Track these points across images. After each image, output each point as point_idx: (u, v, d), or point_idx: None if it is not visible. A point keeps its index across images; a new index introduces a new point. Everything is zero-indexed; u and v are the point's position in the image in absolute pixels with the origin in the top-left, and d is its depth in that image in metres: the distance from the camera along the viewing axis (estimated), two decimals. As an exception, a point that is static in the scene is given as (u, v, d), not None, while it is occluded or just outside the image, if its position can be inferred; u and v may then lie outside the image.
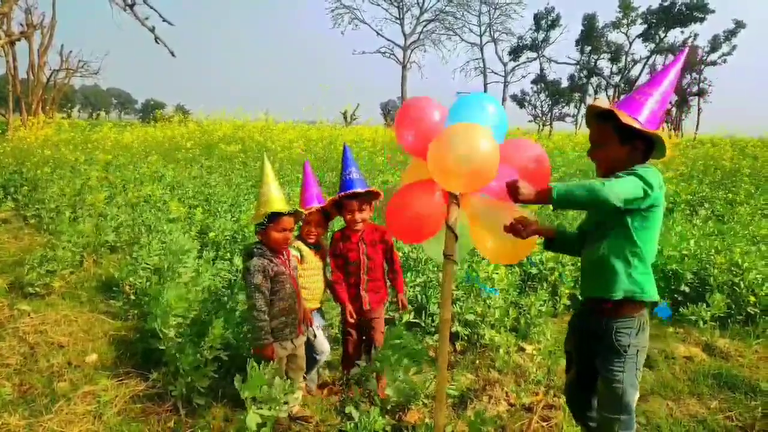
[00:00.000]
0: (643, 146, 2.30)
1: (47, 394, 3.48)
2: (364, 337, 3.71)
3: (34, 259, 5.31)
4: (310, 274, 3.48)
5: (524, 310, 4.66)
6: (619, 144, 2.30)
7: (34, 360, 3.92)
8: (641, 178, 2.13)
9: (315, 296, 3.55)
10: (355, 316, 3.56)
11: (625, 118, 2.23)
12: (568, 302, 5.11)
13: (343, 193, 3.37)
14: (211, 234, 6.09)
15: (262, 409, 2.62)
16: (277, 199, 3.05)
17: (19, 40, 19.83)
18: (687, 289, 5.34)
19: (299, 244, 3.44)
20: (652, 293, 2.30)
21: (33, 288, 5.12)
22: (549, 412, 3.52)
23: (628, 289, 2.27)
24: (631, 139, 2.28)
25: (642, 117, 2.26)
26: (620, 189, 2.07)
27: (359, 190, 3.37)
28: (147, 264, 4.98)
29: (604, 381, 2.39)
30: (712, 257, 5.49)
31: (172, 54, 13.48)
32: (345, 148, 3.55)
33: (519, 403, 3.61)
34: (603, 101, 2.41)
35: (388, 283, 3.71)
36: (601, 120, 2.34)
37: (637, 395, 2.41)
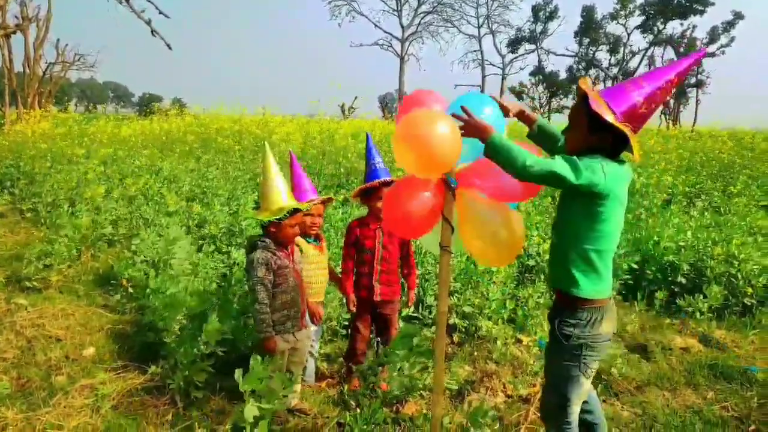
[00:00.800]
0: (611, 139, 2.17)
1: (45, 387, 3.48)
2: (373, 329, 3.70)
3: (31, 253, 5.30)
4: (311, 269, 3.47)
5: (521, 302, 4.67)
6: (588, 131, 2.20)
7: (32, 354, 3.92)
8: (572, 163, 2.07)
9: (317, 290, 3.54)
10: (356, 308, 3.57)
11: (597, 105, 2.11)
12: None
13: (382, 180, 3.42)
14: (210, 227, 6.08)
15: (261, 402, 2.63)
16: (290, 195, 3.08)
17: (14, 32, 19.68)
18: (684, 281, 5.35)
19: (298, 238, 3.43)
20: (589, 292, 2.23)
21: (30, 282, 5.11)
22: (546, 404, 3.53)
23: (565, 282, 2.28)
24: (600, 130, 2.15)
25: (620, 109, 2.13)
26: (537, 165, 2.04)
27: (392, 178, 3.46)
28: (145, 257, 4.97)
29: (545, 366, 2.48)
30: (709, 249, 5.50)
31: (169, 47, 13.41)
32: (368, 139, 3.60)
33: (516, 395, 3.62)
34: (589, 85, 2.24)
35: (402, 281, 3.72)
36: (579, 101, 2.25)
37: (579, 388, 2.33)
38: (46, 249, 5.43)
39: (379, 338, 3.69)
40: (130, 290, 4.84)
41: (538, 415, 3.38)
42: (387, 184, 3.44)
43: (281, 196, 3.01)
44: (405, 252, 3.65)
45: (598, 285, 2.25)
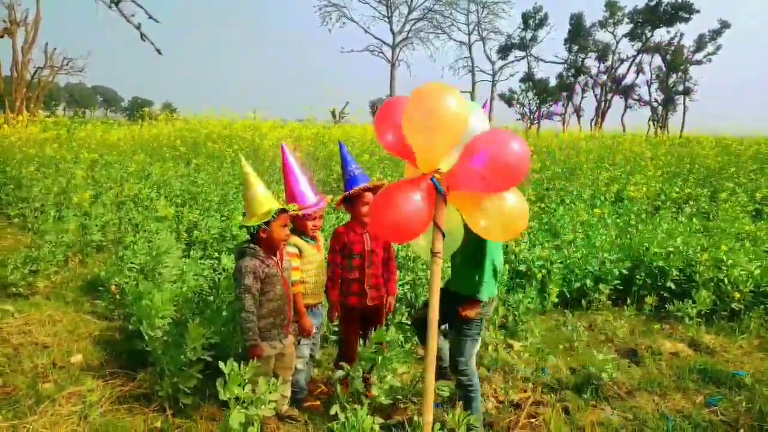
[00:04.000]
0: None
1: (31, 395, 3.43)
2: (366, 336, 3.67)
3: (17, 258, 5.23)
4: (310, 269, 3.43)
5: (513, 308, 4.67)
6: None
7: (18, 361, 3.86)
8: None
9: (316, 291, 3.48)
10: (345, 316, 3.56)
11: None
12: (556, 300, 5.13)
13: (362, 186, 3.41)
14: (197, 233, 6.04)
15: (248, 408, 2.61)
16: (273, 198, 3.08)
17: (1, 37, 19.56)
18: (673, 286, 5.39)
19: (296, 239, 3.39)
20: (485, 294, 3.12)
21: (17, 288, 5.05)
22: (537, 409, 3.54)
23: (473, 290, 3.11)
24: None
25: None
26: None
27: (373, 183, 3.45)
28: (133, 264, 4.93)
29: (457, 334, 3.27)
30: (698, 254, 5.55)
31: (159, 52, 13.33)
32: (342, 147, 3.57)
33: (507, 400, 3.62)
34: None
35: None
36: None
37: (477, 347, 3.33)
38: (33, 254, 5.37)
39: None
40: (118, 297, 4.79)
41: (530, 420, 3.39)
42: (369, 189, 3.43)
43: (265, 200, 3.03)
44: (387, 256, 3.61)
45: (488, 290, 3.18)
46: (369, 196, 3.43)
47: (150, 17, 12.87)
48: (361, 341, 3.68)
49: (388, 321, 4.23)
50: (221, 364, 2.69)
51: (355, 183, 3.42)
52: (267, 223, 3.02)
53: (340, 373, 3.35)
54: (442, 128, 2.38)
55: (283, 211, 3.06)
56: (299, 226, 3.39)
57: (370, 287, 3.51)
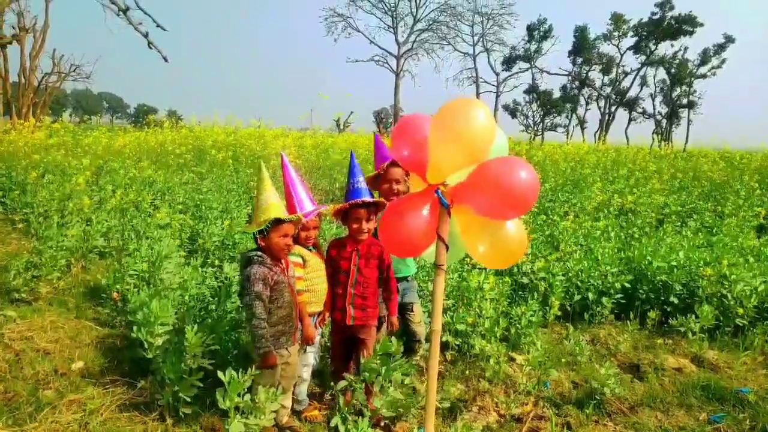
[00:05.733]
0: None
1: (32, 402, 3.43)
2: (352, 353, 3.63)
3: (19, 264, 5.24)
4: (313, 277, 3.41)
5: (515, 320, 4.66)
6: None
7: (20, 367, 3.86)
8: None
9: (320, 299, 3.47)
10: (332, 327, 3.56)
11: None
12: (558, 313, 5.11)
13: (353, 201, 3.32)
14: (200, 241, 6.04)
15: (248, 418, 2.60)
16: (277, 206, 3.04)
17: (10, 43, 19.70)
18: (676, 301, 5.37)
19: (299, 248, 3.38)
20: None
21: (19, 294, 5.05)
22: (538, 423, 3.52)
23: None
24: None
25: None
26: None
27: (369, 199, 3.34)
28: (134, 271, 4.93)
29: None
30: (701, 269, 5.52)
31: (165, 59, 13.41)
32: (352, 157, 3.52)
33: (508, 414, 3.60)
34: None
35: (381, 303, 3.58)
36: None
37: None
38: (35, 260, 5.38)
39: (355, 360, 3.61)
40: (120, 304, 4.79)
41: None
42: (362, 205, 3.33)
43: (267, 208, 3.01)
44: (385, 275, 3.50)
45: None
46: (362, 212, 3.35)
47: (158, 25, 12.96)
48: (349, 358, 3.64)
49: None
50: (220, 374, 2.69)
51: (354, 196, 3.34)
52: (263, 232, 3.01)
53: (341, 384, 3.33)
54: (468, 141, 2.38)
55: (278, 221, 3.03)
56: (298, 238, 3.38)
57: (353, 306, 3.41)
